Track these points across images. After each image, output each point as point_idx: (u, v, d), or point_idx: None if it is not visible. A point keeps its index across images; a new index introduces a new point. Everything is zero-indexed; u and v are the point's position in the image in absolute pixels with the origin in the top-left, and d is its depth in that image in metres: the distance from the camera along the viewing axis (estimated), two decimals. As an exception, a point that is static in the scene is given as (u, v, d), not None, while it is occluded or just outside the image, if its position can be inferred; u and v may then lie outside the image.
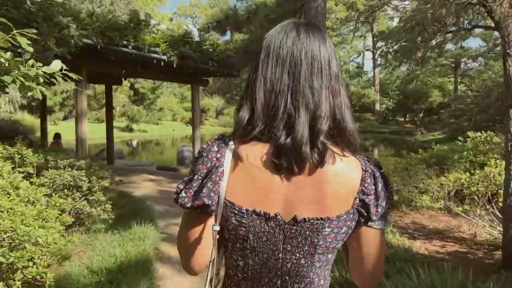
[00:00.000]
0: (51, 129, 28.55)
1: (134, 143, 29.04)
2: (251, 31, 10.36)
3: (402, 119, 50.04)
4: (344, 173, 0.97)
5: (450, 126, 24.74)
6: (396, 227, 5.63)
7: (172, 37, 9.86)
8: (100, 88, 35.80)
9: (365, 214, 0.98)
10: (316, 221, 0.94)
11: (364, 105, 48.43)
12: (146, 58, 9.15)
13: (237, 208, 0.96)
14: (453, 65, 42.68)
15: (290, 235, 0.96)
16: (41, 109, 14.86)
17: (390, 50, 34.85)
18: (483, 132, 8.92)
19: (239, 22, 9.08)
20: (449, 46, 37.56)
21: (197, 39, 11.01)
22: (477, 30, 34.44)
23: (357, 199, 0.97)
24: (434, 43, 31.32)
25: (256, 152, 0.96)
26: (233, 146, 0.98)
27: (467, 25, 27.96)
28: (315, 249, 0.97)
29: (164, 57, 9.39)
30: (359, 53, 59.18)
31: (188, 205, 0.96)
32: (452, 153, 7.35)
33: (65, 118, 33.70)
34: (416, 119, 43.14)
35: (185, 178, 0.99)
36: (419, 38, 28.32)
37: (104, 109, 36.72)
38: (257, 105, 0.97)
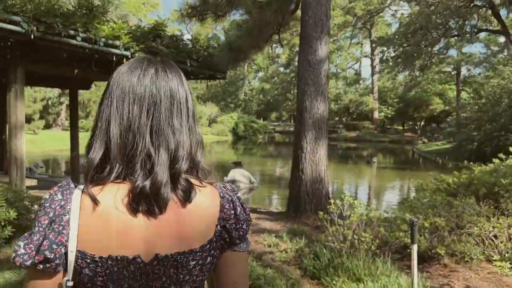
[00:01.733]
0: (31, 139, 26.55)
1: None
2: (237, 23, 8.41)
3: (401, 128, 48.30)
4: (203, 203, 0.95)
5: (457, 135, 22.76)
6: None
7: (137, 28, 7.86)
8: (87, 94, 33.76)
9: (228, 239, 0.98)
10: (179, 256, 0.90)
11: (362, 113, 46.65)
12: (102, 54, 7.16)
13: (89, 257, 0.86)
14: (454, 71, 41.02)
15: (153, 276, 0.90)
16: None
17: (392, 55, 33.18)
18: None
19: (219, 6, 7.14)
20: (451, 52, 35.89)
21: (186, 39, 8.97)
22: (481, 35, 32.75)
23: (218, 226, 0.97)
24: (437, 48, 29.64)
25: (111, 195, 0.89)
26: (80, 191, 0.90)
27: (473, 29, 25.94)
28: (182, 286, 0.93)
29: (127, 53, 7.36)
30: (356, 60, 57.45)
31: (28, 262, 0.84)
32: (504, 177, 5.33)
33: (48, 126, 31.62)
34: (416, 127, 41.28)
35: (25, 234, 0.87)
36: (423, 42, 26.32)
37: (88, 117, 34.67)
38: (112, 145, 0.90)
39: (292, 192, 6.34)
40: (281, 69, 57.70)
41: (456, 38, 28.66)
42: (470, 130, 22.42)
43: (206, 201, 0.96)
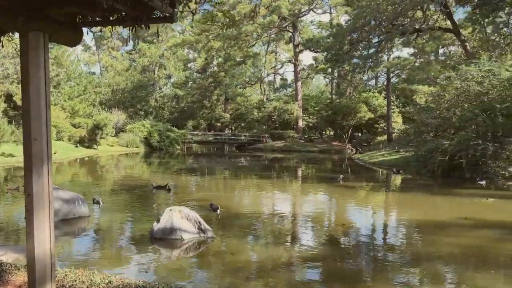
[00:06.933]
0: None
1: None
2: None
3: (317, 136, 44.99)
4: None
5: (425, 144, 18.71)
6: None
7: None
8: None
9: None
10: None
11: (284, 121, 42.29)
12: None
13: None
14: (372, 80, 38.53)
15: None
16: None
17: (326, 56, 28.99)
18: None
19: None
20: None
21: None
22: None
23: None
24: (372, 50, 25.98)
25: None
26: None
27: (424, 25, 21.48)
28: None
29: None
30: (273, 69, 53.15)
31: None
32: None
33: None
34: (344, 136, 37.80)
35: None
36: (366, 40, 21.87)
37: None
38: None
39: None
40: (196, 74, 51.47)
41: (398, 37, 25.16)
42: (437, 138, 18.54)
43: None
